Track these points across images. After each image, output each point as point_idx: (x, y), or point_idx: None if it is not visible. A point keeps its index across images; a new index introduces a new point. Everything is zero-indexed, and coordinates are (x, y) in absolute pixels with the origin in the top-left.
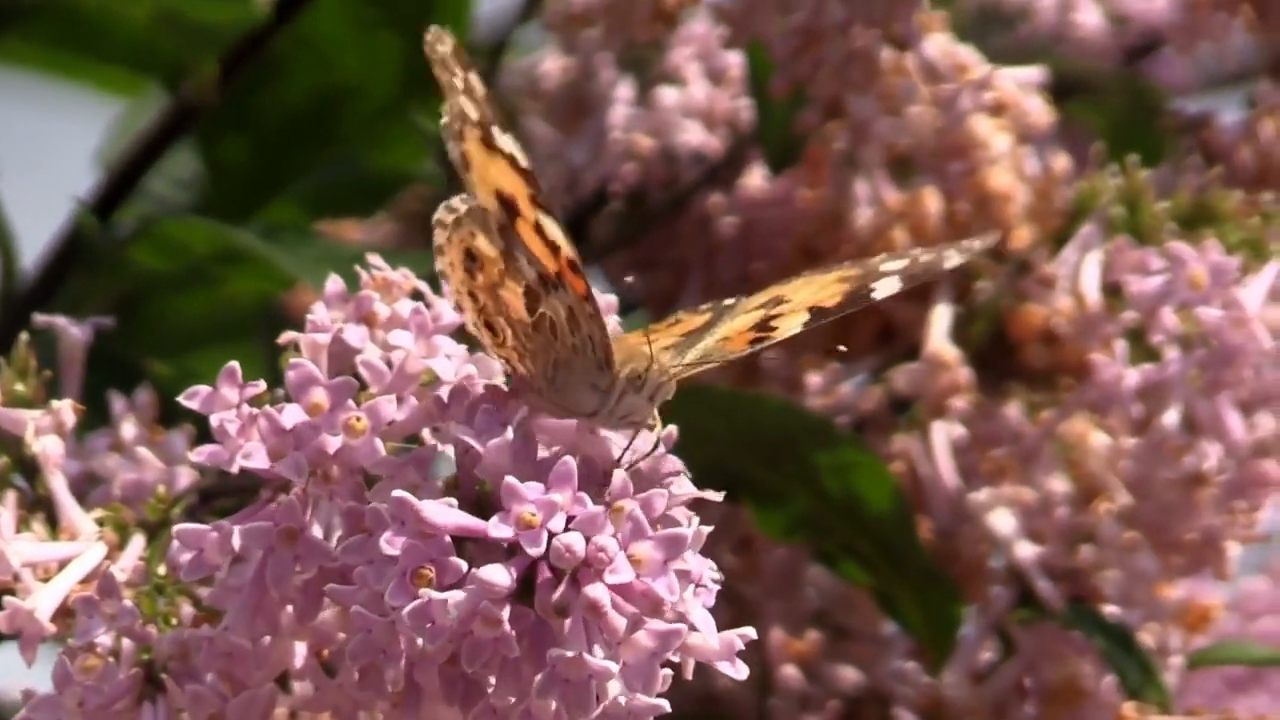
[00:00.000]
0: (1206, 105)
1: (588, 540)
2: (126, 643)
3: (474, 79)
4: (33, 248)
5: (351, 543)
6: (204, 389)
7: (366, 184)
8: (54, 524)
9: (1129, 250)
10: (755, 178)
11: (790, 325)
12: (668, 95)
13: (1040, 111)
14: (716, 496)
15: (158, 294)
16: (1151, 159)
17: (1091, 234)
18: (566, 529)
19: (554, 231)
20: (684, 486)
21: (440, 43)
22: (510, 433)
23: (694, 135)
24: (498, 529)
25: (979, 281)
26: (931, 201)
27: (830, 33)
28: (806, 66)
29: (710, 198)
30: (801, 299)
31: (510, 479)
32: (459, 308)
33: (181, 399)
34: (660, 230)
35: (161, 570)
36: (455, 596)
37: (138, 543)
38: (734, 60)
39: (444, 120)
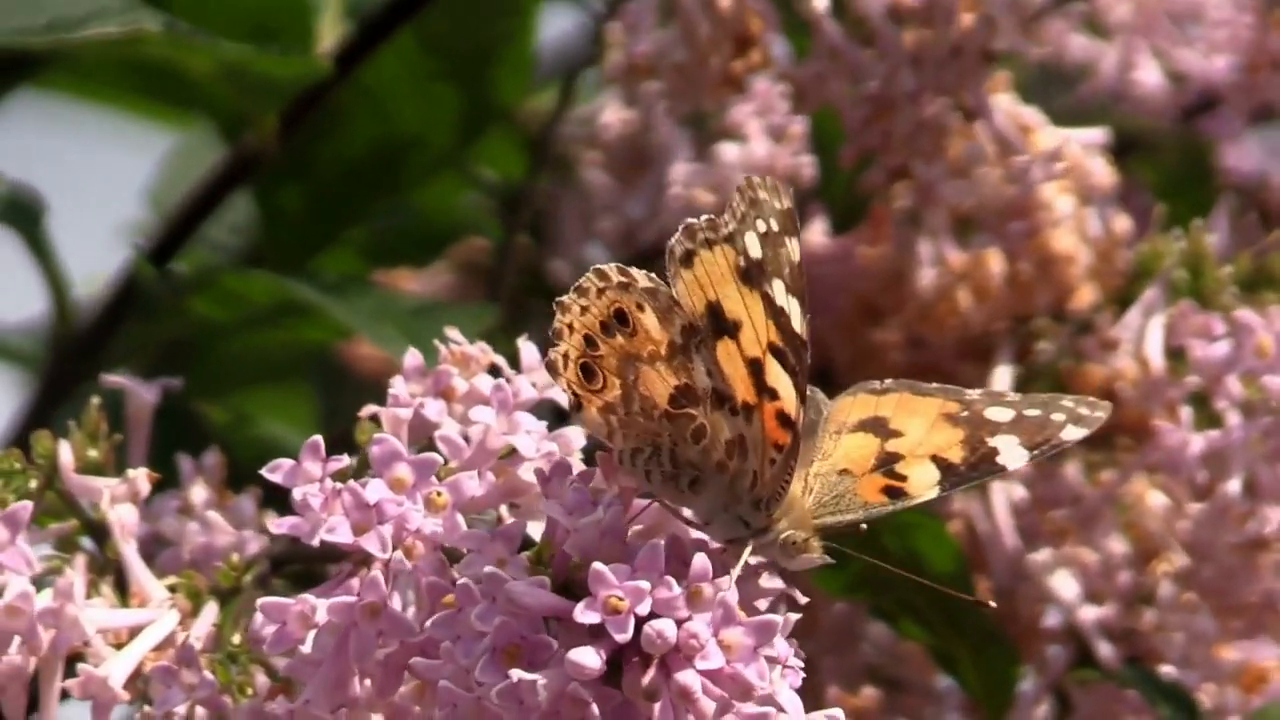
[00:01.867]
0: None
1: (679, 626)
2: (201, 711)
3: (793, 245)
4: (75, 272)
5: (440, 618)
6: (287, 462)
7: (422, 233)
8: (122, 588)
9: (1193, 315)
10: (815, 234)
11: (922, 482)
12: (728, 151)
13: (1103, 173)
14: (801, 598)
15: (212, 340)
16: (1206, 215)
17: (1155, 297)
18: (652, 615)
19: (779, 380)
20: (774, 581)
21: (769, 192)
22: (601, 511)
23: None
24: (584, 614)
25: (1040, 342)
26: (995, 262)
27: (902, 102)
28: (877, 135)
29: None
30: (917, 439)
31: (598, 565)
32: (555, 335)
33: (265, 472)
34: None
35: (236, 639)
36: (545, 677)
37: (211, 610)
38: (796, 118)
39: (701, 221)
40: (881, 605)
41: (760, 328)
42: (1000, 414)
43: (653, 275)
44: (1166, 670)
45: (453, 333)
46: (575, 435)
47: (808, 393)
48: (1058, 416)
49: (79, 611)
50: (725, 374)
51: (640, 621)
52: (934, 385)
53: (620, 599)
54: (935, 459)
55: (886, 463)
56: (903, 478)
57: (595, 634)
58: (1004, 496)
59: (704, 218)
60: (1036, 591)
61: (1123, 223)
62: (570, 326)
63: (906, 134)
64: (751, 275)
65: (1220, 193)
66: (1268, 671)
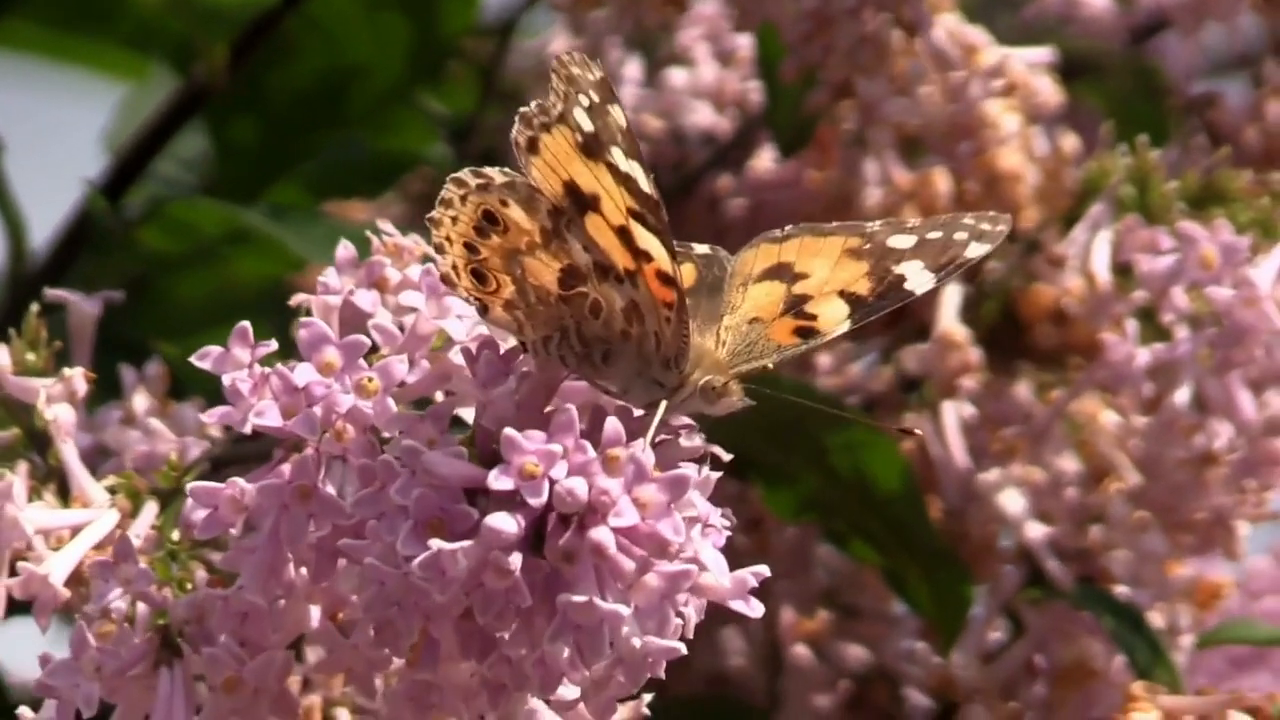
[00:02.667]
0: (1212, 86)
1: (590, 486)
2: (142, 608)
3: (616, 111)
4: (36, 231)
5: (364, 495)
6: (215, 349)
7: (372, 166)
8: (65, 495)
9: (1139, 230)
10: (764, 159)
11: (832, 318)
12: (677, 76)
13: (1050, 92)
14: (725, 454)
15: (166, 275)
16: (1157, 140)
17: (1102, 213)
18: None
19: (648, 242)
20: (694, 440)
21: (580, 66)
22: (513, 381)
23: (703, 116)
24: (498, 480)
25: (989, 261)
26: (941, 181)
27: (841, 17)
28: (817, 51)
29: (719, 179)
30: (822, 277)
31: (510, 431)
32: (438, 250)
33: (193, 359)
34: (669, 211)
35: (175, 537)
36: (465, 545)
37: (150, 510)
38: (743, 41)
39: (532, 108)
40: (833, 527)
41: (615, 196)
42: (902, 241)
43: (505, 169)
44: (1119, 590)
45: (385, 225)
46: None
47: (711, 251)
48: (960, 235)
49: (18, 512)
50: (600, 246)
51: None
52: (834, 224)
53: (535, 464)
54: (843, 294)
55: (795, 305)
56: (813, 316)
57: (517, 505)
58: (954, 416)
59: (534, 103)
60: (988, 511)
61: (1070, 141)
62: (448, 239)
63: (847, 49)
64: (591, 148)
65: (1170, 116)
66: (1220, 587)
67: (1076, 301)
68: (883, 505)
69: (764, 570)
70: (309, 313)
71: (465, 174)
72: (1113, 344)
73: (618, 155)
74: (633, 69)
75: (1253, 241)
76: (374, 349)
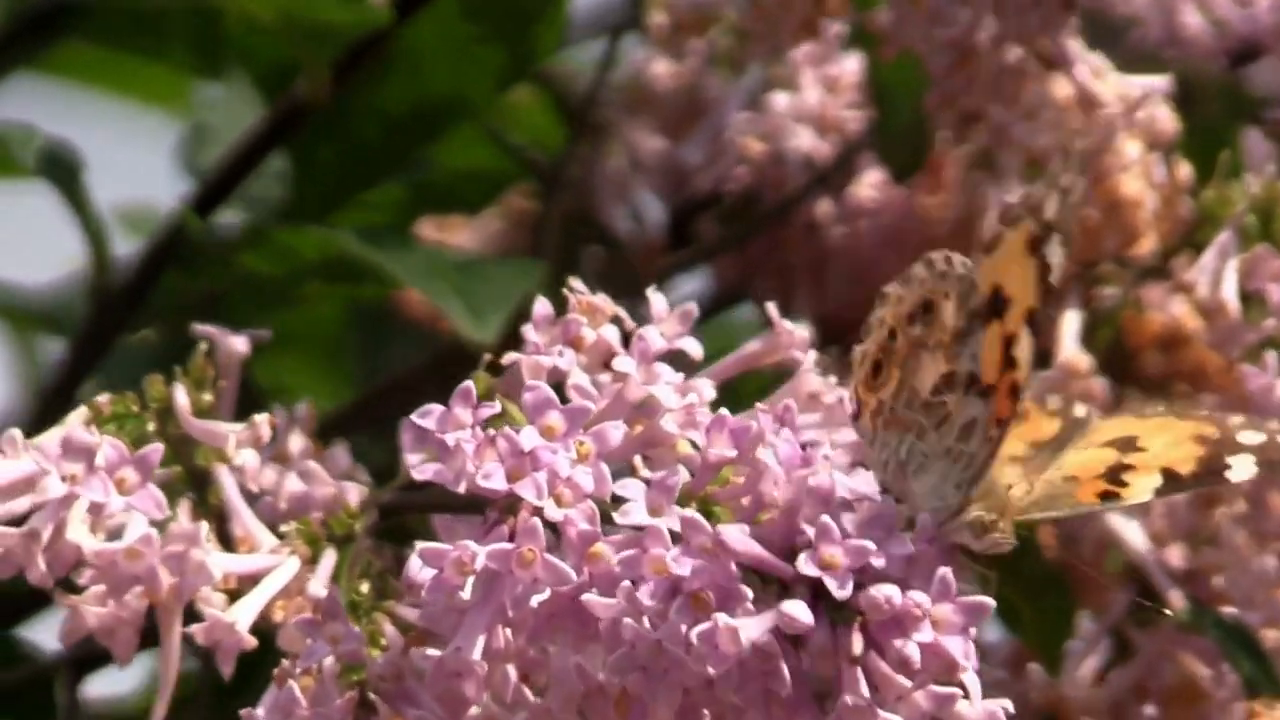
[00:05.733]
0: None
1: (904, 593)
2: (329, 662)
3: (1079, 187)
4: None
5: (626, 557)
6: (437, 408)
7: (456, 187)
8: (223, 539)
9: (1270, 258)
10: (865, 185)
11: (1142, 488)
12: (781, 100)
13: (1167, 120)
14: (988, 602)
15: (247, 296)
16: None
17: (1229, 241)
18: (866, 578)
19: (1024, 351)
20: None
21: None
22: (816, 467)
23: (805, 140)
24: (806, 566)
25: (1103, 288)
26: None
27: (984, 50)
28: (961, 82)
29: (819, 204)
30: (1156, 453)
31: (825, 518)
32: (864, 331)
33: (415, 418)
34: (768, 234)
35: (364, 588)
36: (748, 625)
37: (330, 557)
38: (848, 67)
39: (1015, 197)
40: None
41: (1027, 296)
42: (1252, 438)
43: (967, 261)
44: (1228, 611)
45: (576, 283)
46: (705, 386)
47: (1081, 413)
48: None
49: (205, 555)
50: (985, 356)
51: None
52: (1202, 412)
53: (836, 556)
54: (1165, 470)
55: (1115, 472)
56: (1124, 484)
57: (789, 594)
58: None
59: (1021, 195)
60: (1101, 534)
61: (1185, 169)
62: (882, 320)
63: (988, 81)
64: (1038, 241)
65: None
66: None
67: (1201, 329)
68: None
69: (1009, 705)
70: (493, 371)
71: (939, 257)
72: (1251, 375)
73: (1054, 246)
74: (738, 93)
75: None
76: None
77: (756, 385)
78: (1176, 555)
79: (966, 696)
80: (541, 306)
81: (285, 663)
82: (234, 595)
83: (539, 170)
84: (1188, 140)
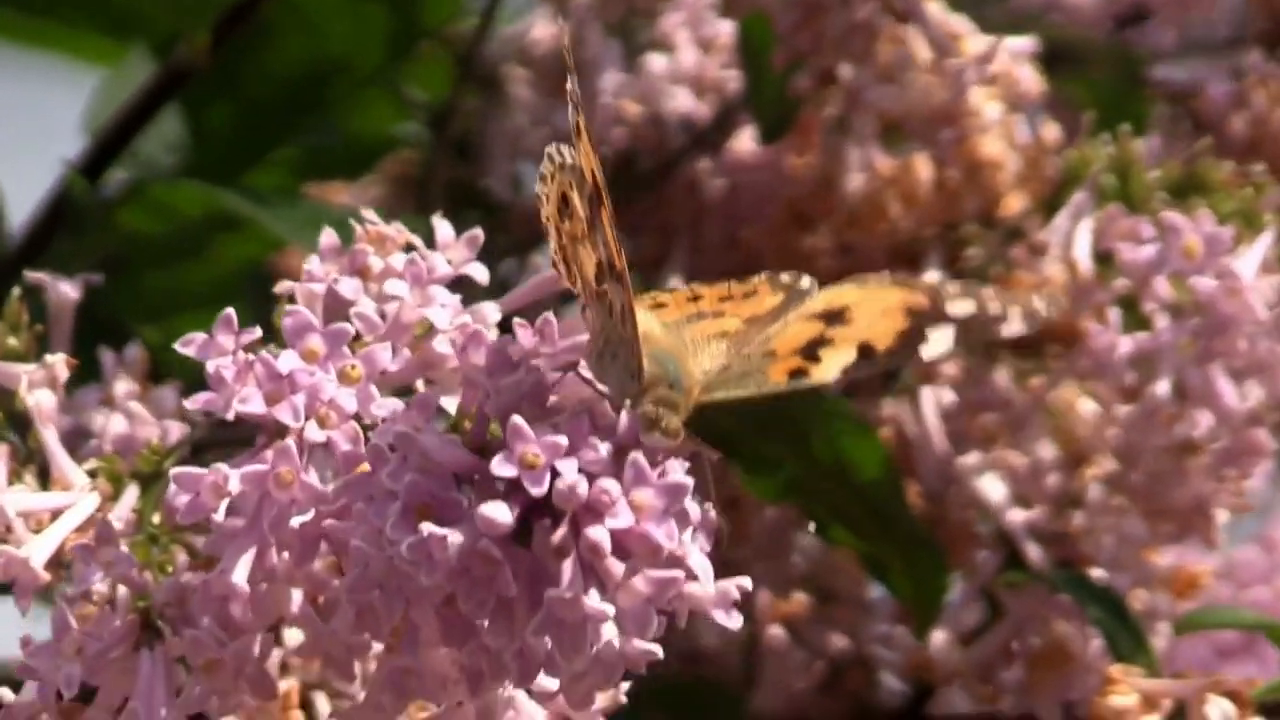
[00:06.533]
0: (1193, 73)
1: (591, 483)
2: (122, 590)
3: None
4: (11, 214)
5: (351, 479)
6: (199, 335)
7: (350, 149)
8: (46, 478)
9: (1121, 218)
10: (744, 142)
11: (831, 366)
12: (657, 62)
13: (1032, 81)
14: (714, 453)
15: (144, 258)
16: (1138, 129)
17: (1083, 202)
18: (567, 473)
19: (614, 236)
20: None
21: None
22: (522, 373)
23: (682, 102)
24: (501, 467)
25: (968, 249)
26: (923, 168)
27: (832, 5)
28: (808, 39)
29: (698, 163)
30: (859, 326)
31: (517, 419)
32: (546, 234)
33: (177, 345)
34: (648, 196)
35: (156, 520)
36: (455, 532)
37: (131, 493)
38: (723, 28)
39: (571, 86)
40: (812, 512)
41: (601, 183)
42: (961, 308)
43: (573, 151)
44: (1097, 574)
45: (368, 213)
46: (490, 310)
47: (807, 284)
48: (1012, 310)
49: None
50: (609, 239)
51: (555, 479)
52: (926, 280)
53: (536, 455)
54: (861, 345)
55: (812, 347)
56: (816, 360)
57: (506, 495)
58: (934, 401)
59: (569, 85)
60: (966, 495)
61: (1051, 130)
62: (547, 219)
63: (838, 37)
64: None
65: (1152, 105)
66: (1198, 576)
67: (1057, 289)
68: (862, 490)
69: (747, 584)
70: (292, 300)
71: (553, 149)
72: (1095, 332)
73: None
74: (612, 54)
75: (1235, 232)
76: (357, 337)
77: None
78: (1045, 516)
79: (695, 579)
80: (327, 237)
81: (66, 589)
82: None
83: (428, 120)
84: (1086, 101)
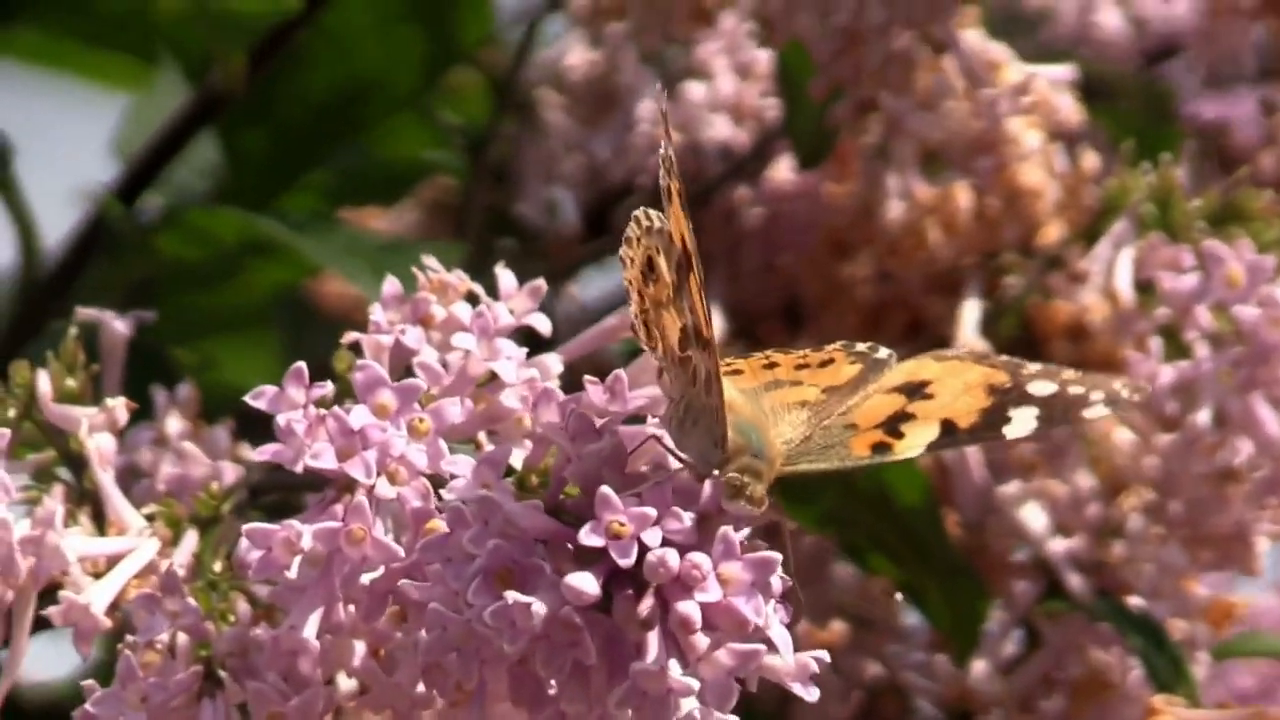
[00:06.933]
0: (1222, 106)
1: (680, 554)
2: (183, 638)
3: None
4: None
5: (429, 541)
6: (270, 389)
7: (385, 174)
8: (100, 519)
9: (1163, 248)
10: (781, 170)
11: (915, 442)
12: (695, 90)
13: (1070, 109)
14: (793, 523)
15: (177, 282)
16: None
17: (1124, 231)
18: (652, 544)
19: (702, 303)
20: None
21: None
22: (606, 440)
23: (720, 130)
24: (589, 538)
25: (1007, 277)
26: (962, 197)
27: (871, 35)
28: (847, 68)
29: (736, 191)
30: (942, 402)
31: (605, 490)
32: (629, 296)
33: (248, 399)
34: None
35: (217, 566)
36: (539, 601)
37: (190, 538)
38: (761, 55)
39: (665, 151)
40: (851, 540)
41: (691, 248)
42: (1042, 388)
43: (662, 215)
44: (1135, 602)
45: (430, 261)
46: (553, 361)
47: (885, 355)
48: (1095, 394)
49: (59, 539)
50: (696, 307)
51: (643, 550)
52: (1002, 358)
53: (623, 524)
54: (945, 422)
55: (895, 420)
56: (900, 435)
57: (586, 562)
58: None
59: (662, 150)
60: (1005, 524)
61: (1090, 158)
62: (629, 283)
63: (875, 67)
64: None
65: (1181, 139)
66: (1235, 608)
67: (1099, 318)
68: (901, 519)
69: (825, 656)
70: (357, 348)
71: (640, 213)
72: (1136, 361)
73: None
74: (649, 82)
75: (1276, 261)
76: None
77: None
78: (1085, 546)
79: (775, 651)
80: (390, 285)
81: (129, 637)
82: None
83: (466, 145)
84: (1116, 134)
